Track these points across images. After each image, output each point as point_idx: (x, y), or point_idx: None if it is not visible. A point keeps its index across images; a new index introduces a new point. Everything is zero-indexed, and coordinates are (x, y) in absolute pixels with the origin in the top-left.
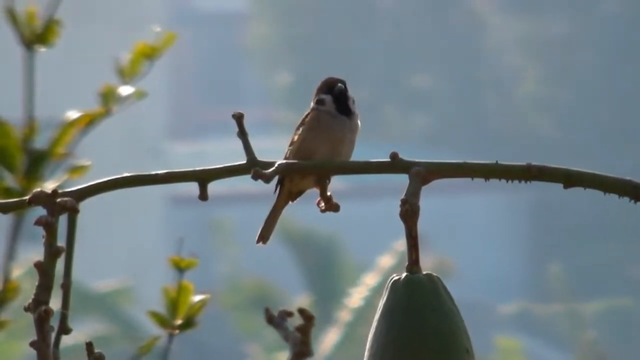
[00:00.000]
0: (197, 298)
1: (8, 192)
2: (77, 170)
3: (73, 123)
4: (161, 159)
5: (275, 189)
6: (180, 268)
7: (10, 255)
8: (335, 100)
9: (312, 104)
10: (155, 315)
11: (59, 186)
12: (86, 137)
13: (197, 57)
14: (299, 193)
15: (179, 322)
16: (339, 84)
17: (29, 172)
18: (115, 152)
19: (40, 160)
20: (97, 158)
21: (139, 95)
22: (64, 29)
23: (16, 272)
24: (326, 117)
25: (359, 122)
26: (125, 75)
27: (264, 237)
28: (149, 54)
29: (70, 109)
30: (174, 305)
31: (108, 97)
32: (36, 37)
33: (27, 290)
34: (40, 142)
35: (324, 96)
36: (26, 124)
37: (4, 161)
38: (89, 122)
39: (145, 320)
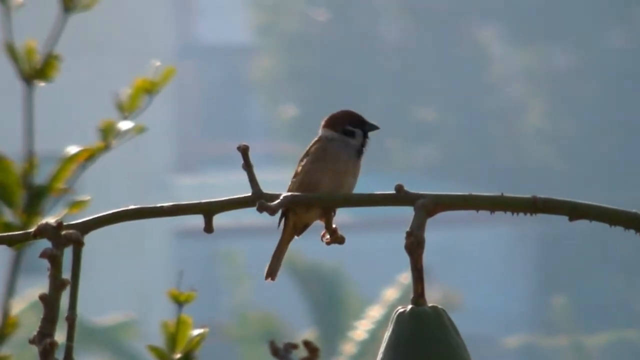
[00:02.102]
0: (196, 332)
1: (8, 227)
2: (76, 205)
3: (72, 158)
4: (166, 192)
5: (279, 222)
6: (179, 302)
7: (10, 290)
8: (364, 136)
9: (320, 133)
10: (154, 350)
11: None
12: (91, 170)
13: (202, 90)
14: (304, 226)
15: (178, 356)
16: (372, 124)
17: (29, 207)
18: (120, 185)
19: (40, 195)
20: (102, 191)
21: (139, 130)
22: (67, 62)
23: (20, 306)
24: (333, 148)
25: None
26: (125, 110)
27: (272, 272)
28: (149, 89)
29: (73, 143)
30: (173, 339)
31: (107, 132)
32: (35, 72)
33: (32, 323)
34: (40, 176)
35: (353, 129)
36: (26, 159)
37: (4, 196)
38: (89, 157)
39: (149, 354)
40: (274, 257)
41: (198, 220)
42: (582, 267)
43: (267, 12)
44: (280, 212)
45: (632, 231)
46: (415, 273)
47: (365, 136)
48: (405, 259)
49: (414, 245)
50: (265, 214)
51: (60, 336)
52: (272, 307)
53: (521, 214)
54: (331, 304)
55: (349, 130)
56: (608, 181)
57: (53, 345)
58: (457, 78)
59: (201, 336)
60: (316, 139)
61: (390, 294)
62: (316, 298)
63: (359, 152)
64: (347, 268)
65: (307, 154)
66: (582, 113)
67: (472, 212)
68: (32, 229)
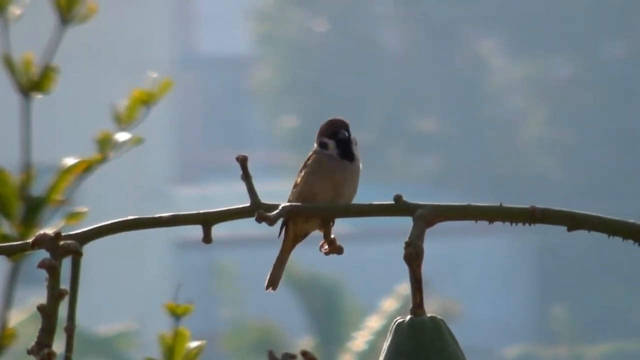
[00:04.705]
0: (193, 344)
1: (5, 239)
2: (74, 216)
3: (69, 170)
4: (166, 203)
5: (280, 232)
6: (176, 314)
7: (8, 301)
8: (338, 145)
9: (315, 146)
10: None
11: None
12: (92, 181)
13: (201, 100)
14: (303, 236)
15: None
16: (343, 131)
17: (26, 218)
18: (119, 195)
19: (37, 206)
20: (101, 201)
21: (136, 141)
22: (65, 72)
23: (21, 316)
24: (328, 160)
25: (360, 165)
26: (122, 121)
27: (273, 282)
28: (146, 100)
29: (71, 154)
30: (170, 351)
31: (104, 144)
32: (33, 84)
33: (32, 333)
34: (37, 188)
35: (327, 140)
36: (23, 171)
37: (1, 208)
38: (86, 168)
39: None
40: (274, 267)
41: (197, 230)
42: (581, 277)
43: (266, 23)
44: (281, 222)
45: (630, 241)
46: (414, 283)
47: (340, 146)
48: (404, 269)
49: (413, 255)
50: (264, 224)
51: (59, 346)
52: (271, 317)
53: (520, 224)
54: (329, 315)
55: (323, 142)
56: (607, 191)
57: (51, 355)
58: (457, 88)
59: (198, 349)
60: (312, 150)
61: (389, 304)
62: (315, 308)
63: (347, 161)
64: (345, 278)
65: (305, 165)
66: (581, 123)
67: (471, 223)
68: (30, 240)
